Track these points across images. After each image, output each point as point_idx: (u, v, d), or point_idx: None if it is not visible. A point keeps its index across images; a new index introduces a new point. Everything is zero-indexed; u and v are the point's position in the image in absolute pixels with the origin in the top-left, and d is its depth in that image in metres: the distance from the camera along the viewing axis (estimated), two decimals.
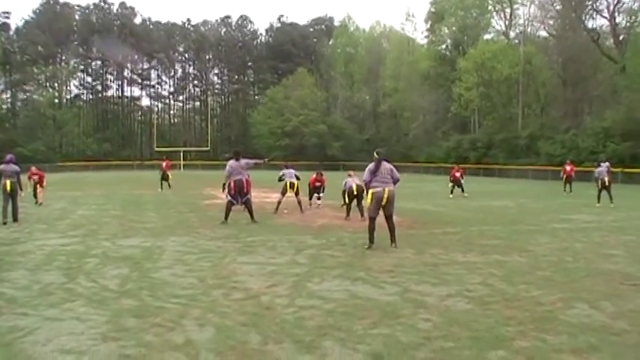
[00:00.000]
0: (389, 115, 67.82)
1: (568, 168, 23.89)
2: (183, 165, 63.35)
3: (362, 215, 11.31)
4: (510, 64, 46.47)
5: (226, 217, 10.99)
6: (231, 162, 11.12)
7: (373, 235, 7.93)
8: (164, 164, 23.06)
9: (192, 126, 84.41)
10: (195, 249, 7.92)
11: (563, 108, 44.24)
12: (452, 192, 19.52)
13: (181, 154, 65.45)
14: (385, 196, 7.67)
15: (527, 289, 5.57)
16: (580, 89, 42.92)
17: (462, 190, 19.53)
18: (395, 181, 7.93)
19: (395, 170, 8.05)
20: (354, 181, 11.96)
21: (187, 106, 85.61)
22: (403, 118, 66.44)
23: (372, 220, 7.90)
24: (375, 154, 7.93)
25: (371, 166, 7.84)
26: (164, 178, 22.58)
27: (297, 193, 13.23)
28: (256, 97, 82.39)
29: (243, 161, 11.10)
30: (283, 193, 13.22)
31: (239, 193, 10.95)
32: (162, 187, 22.24)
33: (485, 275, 6.18)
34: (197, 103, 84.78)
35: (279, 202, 13.20)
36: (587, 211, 14.65)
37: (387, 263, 6.80)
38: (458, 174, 19.75)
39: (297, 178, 13.47)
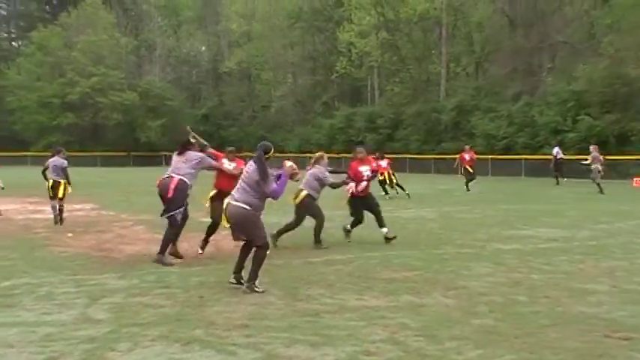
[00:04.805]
0: (238, 77, 69.39)
1: (467, 157, 27.41)
2: None
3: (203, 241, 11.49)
4: None
5: None
6: None
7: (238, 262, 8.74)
8: None
9: None
10: None
11: (511, 63, 44.98)
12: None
13: None
14: (225, 212, 8.57)
15: (458, 349, 5.89)
16: (537, 33, 43.26)
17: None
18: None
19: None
20: None
21: None
22: (261, 81, 68.44)
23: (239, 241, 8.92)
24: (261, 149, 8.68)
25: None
26: None
27: (61, 198, 15.12)
28: (14, 44, 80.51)
29: None
30: (51, 197, 15.23)
31: None
32: None
33: (393, 327, 6.57)
34: None
35: (53, 208, 15.22)
36: (551, 223, 15.72)
37: (238, 314, 7.20)
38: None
39: (66, 178, 15.53)
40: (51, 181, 15.14)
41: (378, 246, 11.91)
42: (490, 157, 39.68)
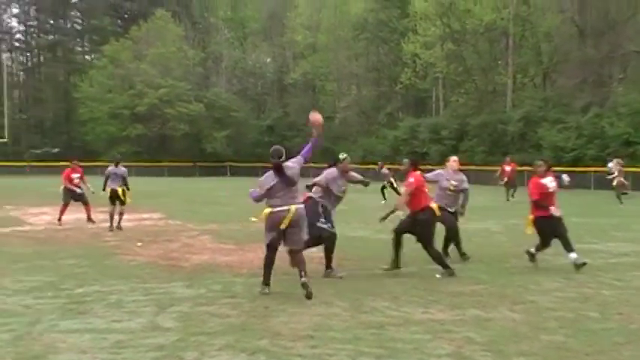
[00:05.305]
0: (303, 88, 69.11)
1: (508, 169, 28.97)
2: None
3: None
4: (495, 5, 46.67)
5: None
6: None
7: (269, 273, 8.81)
8: None
9: None
10: None
11: (580, 74, 43.88)
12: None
13: None
14: (289, 216, 8.54)
15: None
16: (608, 43, 42.32)
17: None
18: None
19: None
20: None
21: None
22: (325, 92, 68.53)
23: (271, 250, 8.86)
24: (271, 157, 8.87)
25: (267, 178, 8.78)
26: None
27: (123, 203, 15.99)
28: (87, 57, 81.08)
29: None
30: (111, 202, 16.07)
31: None
32: None
33: (459, 342, 6.50)
34: None
35: (111, 216, 15.89)
36: (621, 237, 15.42)
37: (304, 324, 7.18)
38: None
39: (126, 185, 16.23)
40: (109, 190, 15.87)
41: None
42: (558, 169, 38.54)
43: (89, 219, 17.61)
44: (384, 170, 26.77)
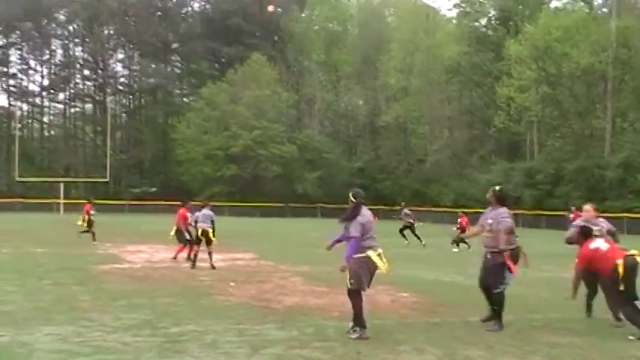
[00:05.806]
0: (395, 131, 68.95)
1: (571, 217, 27.86)
2: (65, 205, 60.45)
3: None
4: (593, 49, 46.14)
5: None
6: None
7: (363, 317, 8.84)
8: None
9: (80, 143, 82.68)
10: (85, 347, 7.96)
11: None
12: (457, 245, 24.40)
13: (61, 187, 62.64)
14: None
15: None
16: None
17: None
18: None
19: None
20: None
21: (72, 111, 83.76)
22: (417, 135, 68.32)
23: (360, 294, 8.84)
24: (351, 196, 9.00)
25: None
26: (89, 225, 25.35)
27: (209, 244, 16.60)
28: (185, 100, 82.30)
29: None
30: (197, 242, 16.90)
31: None
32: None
33: None
34: (88, 106, 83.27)
35: (195, 255, 16.76)
36: None
37: None
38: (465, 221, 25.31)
39: (212, 227, 16.86)
40: (200, 230, 16.47)
41: (540, 307, 11.53)
42: None
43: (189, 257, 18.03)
44: (406, 211, 26.78)
